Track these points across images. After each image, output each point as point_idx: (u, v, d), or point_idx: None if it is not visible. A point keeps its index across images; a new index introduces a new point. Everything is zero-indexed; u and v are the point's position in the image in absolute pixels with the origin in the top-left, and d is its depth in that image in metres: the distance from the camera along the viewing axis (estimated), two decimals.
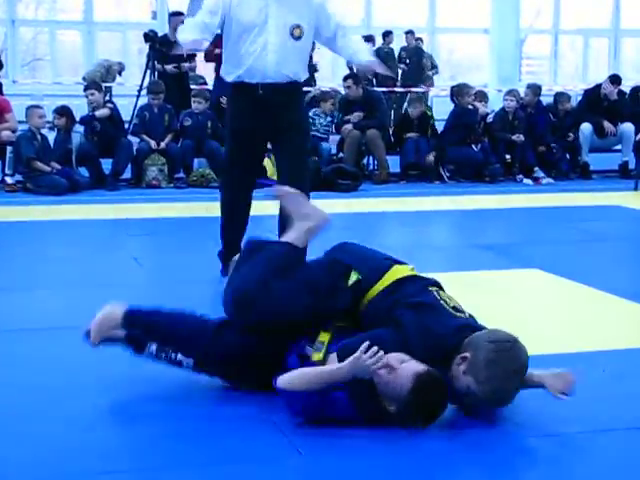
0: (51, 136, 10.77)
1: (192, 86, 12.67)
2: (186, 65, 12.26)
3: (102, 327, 3.82)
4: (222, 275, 5.78)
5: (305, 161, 6.06)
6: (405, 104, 14.14)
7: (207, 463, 3.18)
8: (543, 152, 12.12)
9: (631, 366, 4.30)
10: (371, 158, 12.13)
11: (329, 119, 12.05)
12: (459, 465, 3.22)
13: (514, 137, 11.84)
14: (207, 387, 3.86)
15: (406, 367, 3.32)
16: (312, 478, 3.15)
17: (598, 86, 12.66)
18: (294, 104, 5.81)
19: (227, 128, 6.01)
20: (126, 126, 11.50)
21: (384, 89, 15.29)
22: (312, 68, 16.93)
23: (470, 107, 11.98)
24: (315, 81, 16.46)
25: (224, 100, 11.32)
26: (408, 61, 18.64)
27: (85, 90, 11.51)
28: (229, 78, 5.74)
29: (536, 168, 11.96)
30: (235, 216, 5.99)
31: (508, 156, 12.09)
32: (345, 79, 12.08)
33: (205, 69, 14.63)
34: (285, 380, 3.40)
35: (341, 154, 11.79)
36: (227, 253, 5.89)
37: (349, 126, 11.72)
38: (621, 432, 3.49)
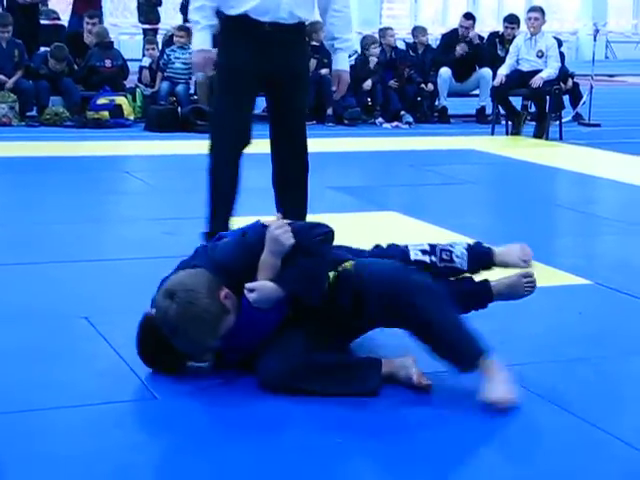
0: None
1: (43, 21, 12.33)
2: None
3: None
4: None
5: (302, 109, 5.12)
6: None
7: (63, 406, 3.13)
8: (405, 95, 12.22)
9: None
10: None
11: (188, 56, 11.69)
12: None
13: (364, 85, 11.91)
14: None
15: None
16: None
17: (455, 30, 12.82)
18: (299, 47, 5.01)
19: (220, 70, 4.98)
20: None
21: None
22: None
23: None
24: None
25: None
26: None
27: None
28: (231, 11, 4.82)
29: (402, 112, 12.06)
30: (231, 185, 4.94)
31: (369, 99, 12.17)
32: None
33: (59, 4, 14.20)
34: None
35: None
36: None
37: None
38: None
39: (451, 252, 3.72)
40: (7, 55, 10.84)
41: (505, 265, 3.82)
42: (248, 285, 3.27)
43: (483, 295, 3.80)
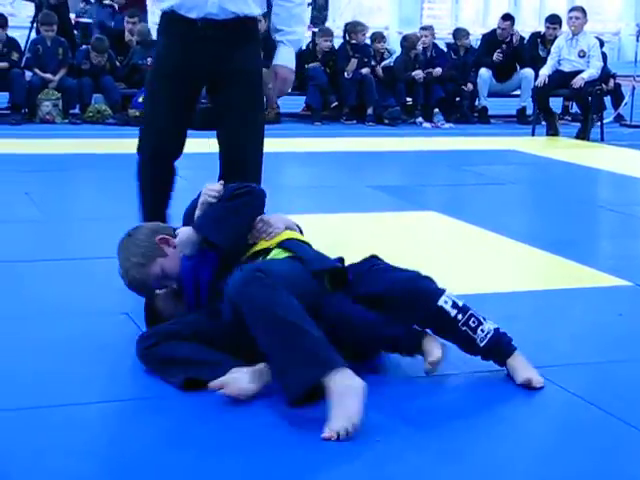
0: None
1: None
2: None
3: None
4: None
5: (254, 119, 4.40)
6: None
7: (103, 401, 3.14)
8: (443, 96, 12.18)
9: (523, 308, 4.36)
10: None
11: None
12: None
13: (414, 73, 11.89)
14: None
15: None
16: None
17: (495, 30, 12.77)
18: (243, 46, 4.32)
19: (152, 71, 4.50)
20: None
21: None
22: None
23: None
24: None
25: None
26: None
27: None
28: (161, 6, 4.32)
29: (436, 110, 12.03)
30: (160, 192, 4.46)
31: (409, 99, 12.17)
32: None
33: None
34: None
35: None
36: None
37: None
38: None
39: (480, 323, 3.39)
40: (52, 53, 10.94)
41: (512, 372, 3.43)
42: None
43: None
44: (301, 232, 3.83)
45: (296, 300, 3.12)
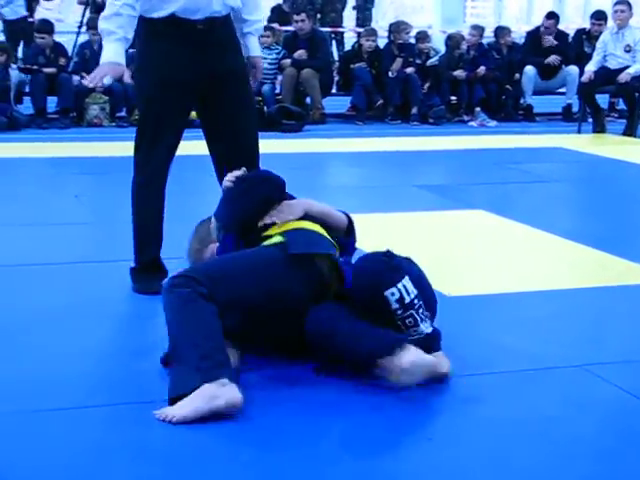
0: None
1: None
2: None
3: None
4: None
5: (254, 117, 4.54)
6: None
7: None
8: (486, 96, 12.15)
9: (572, 306, 4.36)
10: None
11: (274, 56, 11.85)
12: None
13: (455, 73, 11.88)
14: None
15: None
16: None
17: (539, 27, 12.72)
18: (234, 43, 4.38)
19: (145, 83, 4.37)
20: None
21: (329, 29, 15.22)
22: None
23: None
24: None
25: None
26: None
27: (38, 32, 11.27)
28: (154, 14, 4.20)
29: (478, 109, 12.00)
30: (163, 202, 4.45)
31: (454, 97, 12.16)
32: (299, 12, 12.00)
33: None
34: None
35: None
36: (149, 266, 4.48)
37: (287, 61, 11.64)
38: (561, 370, 3.53)
39: (417, 325, 3.37)
40: (99, 57, 10.98)
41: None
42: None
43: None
44: (349, 220, 3.83)
45: (210, 309, 3.23)
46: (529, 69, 12.29)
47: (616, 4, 11.45)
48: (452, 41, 12.31)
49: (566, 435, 3.01)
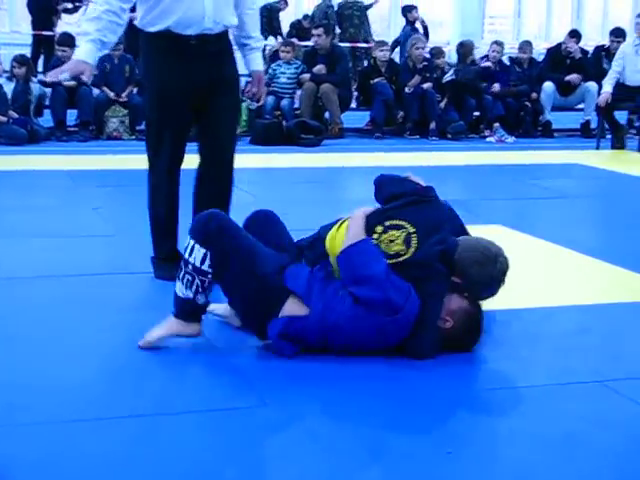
0: (7, 87, 10.53)
1: None
2: None
3: None
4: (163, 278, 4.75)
5: (235, 123, 5.04)
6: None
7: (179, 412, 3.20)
8: (502, 114, 12.13)
9: (590, 321, 4.34)
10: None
11: (294, 70, 11.90)
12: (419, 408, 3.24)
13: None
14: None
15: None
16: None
17: (560, 44, 12.72)
18: (228, 58, 4.72)
19: (149, 93, 4.78)
20: None
21: (348, 44, 15.27)
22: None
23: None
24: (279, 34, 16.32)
25: None
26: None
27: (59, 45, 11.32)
28: (151, 29, 4.56)
29: (496, 124, 11.97)
30: (173, 203, 4.85)
31: (477, 113, 12.15)
32: (316, 27, 12.04)
33: None
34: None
35: None
36: (167, 257, 4.84)
37: (306, 76, 11.67)
38: (581, 385, 3.52)
39: (181, 282, 3.79)
40: (119, 70, 11.09)
41: None
42: None
43: None
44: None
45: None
46: (548, 85, 12.28)
47: (638, 16, 11.46)
48: (464, 48, 12.33)
49: (586, 451, 3.00)
